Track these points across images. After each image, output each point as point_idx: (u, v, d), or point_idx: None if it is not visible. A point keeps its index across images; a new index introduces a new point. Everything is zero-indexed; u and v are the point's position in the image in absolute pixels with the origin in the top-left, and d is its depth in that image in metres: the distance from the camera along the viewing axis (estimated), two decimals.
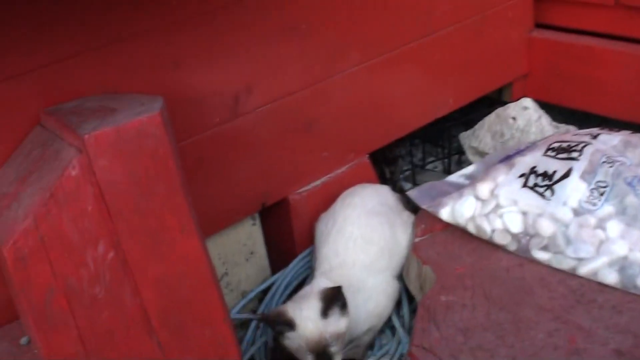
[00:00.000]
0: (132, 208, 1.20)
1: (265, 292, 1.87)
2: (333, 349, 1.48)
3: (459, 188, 1.58)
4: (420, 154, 2.36)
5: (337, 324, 1.48)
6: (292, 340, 1.48)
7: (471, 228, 1.47)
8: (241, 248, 1.85)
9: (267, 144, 1.77)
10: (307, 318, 1.47)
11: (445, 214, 1.52)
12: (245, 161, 1.75)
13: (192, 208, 1.28)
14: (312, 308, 1.48)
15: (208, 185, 1.69)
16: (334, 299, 1.48)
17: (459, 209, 1.50)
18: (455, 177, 1.75)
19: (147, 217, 1.21)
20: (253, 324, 1.77)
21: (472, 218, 1.47)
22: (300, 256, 1.86)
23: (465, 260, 1.43)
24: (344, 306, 1.50)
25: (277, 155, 1.81)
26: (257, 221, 1.87)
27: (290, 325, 1.47)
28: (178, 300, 1.26)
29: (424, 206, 1.59)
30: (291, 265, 1.85)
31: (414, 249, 1.53)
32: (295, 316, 1.48)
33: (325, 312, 1.47)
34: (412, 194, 1.70)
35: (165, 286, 1.25)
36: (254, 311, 1.85)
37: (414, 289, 1.56)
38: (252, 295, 1.86)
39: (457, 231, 1.50)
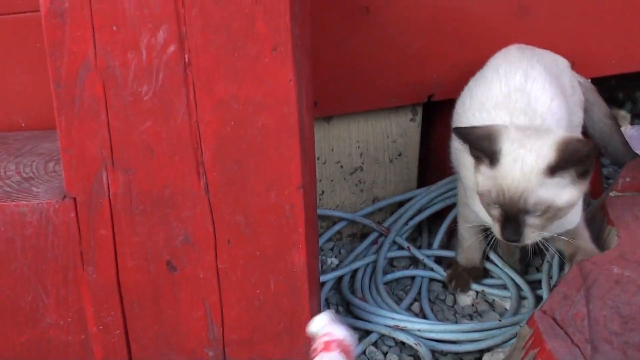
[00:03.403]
0: None
1: (400, 204, 1.51)
2: (531, 219, 1.00)
3: None
4: None
5: (561, 191, 1.00)
6: (484, 177, 1.03)
7: None
8: (389, 144, 1.51)
9: (458, 14, 1.38)
10: (523, 161, 0.99)
11: None
12: (425, 25, 1.37)
13: (300, 24, 0.94)
14: (539, 154, 1.00)
15: (366, 43, 1.36)
16: (577, 158, 1.00)
17: None
18: None
19: (230, 12, 0.89)
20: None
21: None
22: (453, 176, 1.45)
23: None
24: (585, 172, 1.02)
25: (471, 33, 1.39)
26: (419, 117, 1.50)
27: (490, 156, 1.02)
28: (244, 138, 0.94)
29: (637, 150, 1.29)
30: (441, 183, 1.48)
31: (604, 204, 1.21)
32: (506, 148, 1.01)
33: (554, 170, 1.00)
34: (629, 131, 1.27)
35: (232, 114, 0.93)
36: (380, 223, 1.48)
37: None
38: (384, 203, 1.52)
39: None
